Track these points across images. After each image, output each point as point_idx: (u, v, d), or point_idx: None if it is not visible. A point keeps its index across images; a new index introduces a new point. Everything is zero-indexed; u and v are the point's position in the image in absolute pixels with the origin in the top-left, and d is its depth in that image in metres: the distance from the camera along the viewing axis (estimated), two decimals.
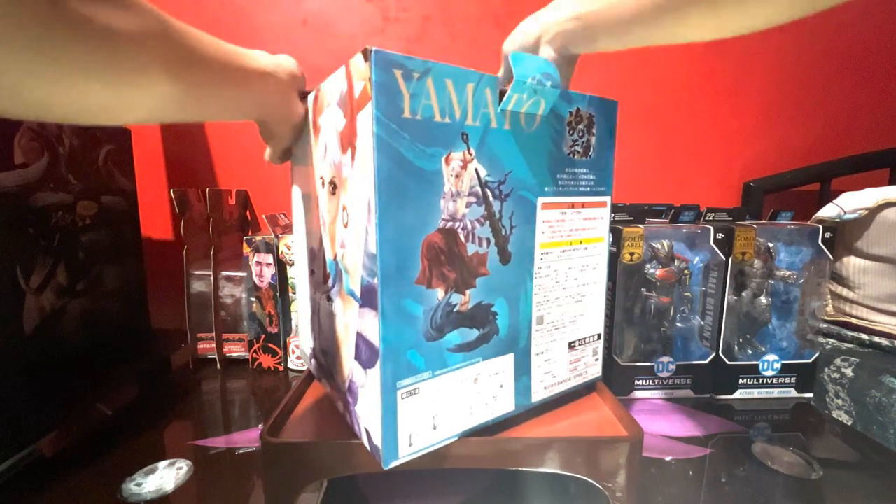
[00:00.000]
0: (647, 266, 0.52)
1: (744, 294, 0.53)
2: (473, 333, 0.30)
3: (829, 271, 0.55)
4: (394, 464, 0.27)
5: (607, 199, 0.36)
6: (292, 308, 0.62)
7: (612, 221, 0.54)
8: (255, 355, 0.63)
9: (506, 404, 0.32)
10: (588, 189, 0.34)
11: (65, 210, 0.50)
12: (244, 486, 0.38)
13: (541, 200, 0.32)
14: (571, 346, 0.36)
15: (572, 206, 0.34)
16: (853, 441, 0.45)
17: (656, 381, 0.53)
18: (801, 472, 0.40)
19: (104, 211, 0.56)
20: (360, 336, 0.28)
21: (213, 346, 0.63)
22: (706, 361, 0.53)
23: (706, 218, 0.57)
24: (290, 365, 0.63)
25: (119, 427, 0.48)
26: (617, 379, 0.52)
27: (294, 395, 0.36)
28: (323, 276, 0.34)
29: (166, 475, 0.39)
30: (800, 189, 0.77)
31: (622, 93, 0.81)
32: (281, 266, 0.61)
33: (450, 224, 0.27)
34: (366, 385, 0.28)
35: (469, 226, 0.28)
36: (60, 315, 0.49)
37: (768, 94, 0.80)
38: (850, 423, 0.49)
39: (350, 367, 0.30)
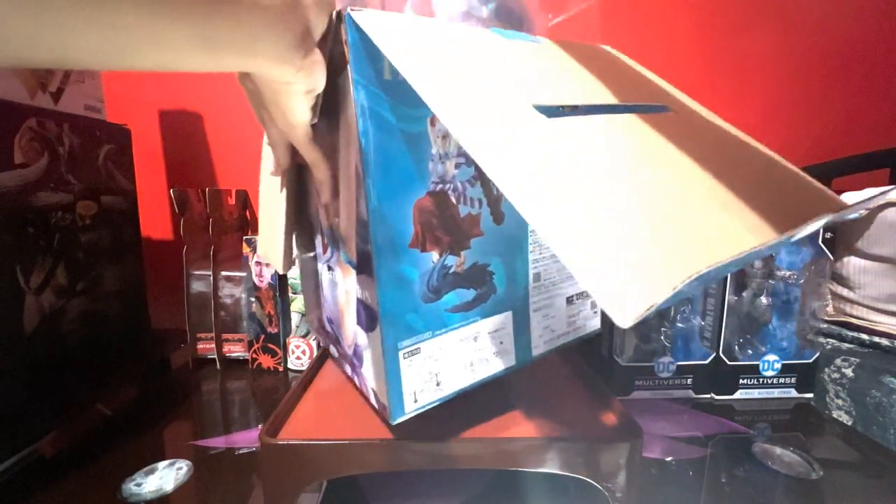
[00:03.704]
0: None
1: (744, 294, 0.53)
2: (471, 294, 0.30)
3: (829, 271, 0.55)
4: (401, 419, 0.28)
5: None
6: (292, 308, 0.62)
7: None
8: (254, 355, 0.63)
9: (507, 360, 0.33)
10: None
11: (65, 210, 0.50)
12: (244, 486, 0.38)
13: None
14: (570, 300, 0.36)
15: None
16: (853, 441, 0.45)
17: (656, 382, 0.53)
18: (801, 472, 0.40)
19: (104, 211, 0.56)
20: (360, 302, 0.28)
21: (213, 346, 0.63)
22: (706, 361, 0.53)
23: None
24: (289, 365, 0.63)
25: (119, 427, 0.48)
26: (617, 379, 0.52)
27: (293, 395, 0.36)
28: (322, 246, 0.34)
29: (166, 475, 0.39)
30: None
31: None
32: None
33: (440, 186, 0.27)
34: (369, 347, 0.28)
35: (460, 187, 0.28)
36: (60, 315, 0.49)
37: (768, 94, 0.80)
38: (850, 423, 0.49)
39: (354, 331, 0.30)
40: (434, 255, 0.27)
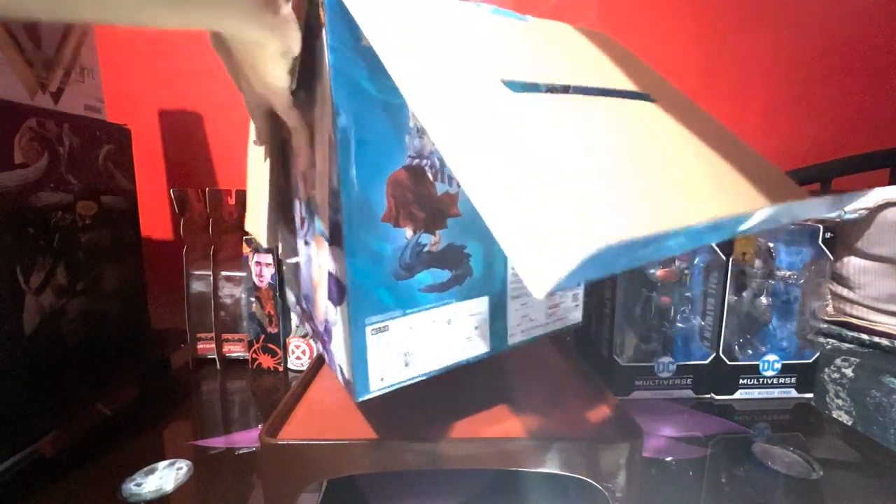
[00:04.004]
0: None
1: (744, 294, 0.53)
2: (445, 274, 0.29)
3: (829, 271, 0.55)
4: (366, 397, 0.28)
5: None
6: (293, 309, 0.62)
7: None
8: (254, 355, 0.63)
9: (481, 345, 0.32)
10: None
11: (65, 210, 0.50)
12: (244, 486, 0.38)
13: None
14: (551, 290, 0.36)
15: None
16: (853, 441, 0.45)
17: (656, 382, 0.53)
18: (801, 472, 0.40)
19: (104, 211, 0.56)
20: (330, 275, 0.28)
21: (213, 346, 0.63)
22: (706, 361, 0.53)
23: None
24: (289, 365, 0.63)
25: (119, 427, 0.48)
26: (617, 379, 0.52)
27: (293, 395, 0.36)
28: (301, 220, 0.34)
29: (166, 475, 0.39)
30: None
31: None
32: (280, 266, 0.61)
33: (416, 161, 0.26)
34: (337, 322, 0.28)
35: (437, 164, 0.27)
36: (60, 315, 0.49)
37: (768, 94, 0.80)
38: (850, 423, 0.49)
39: (325, 306, 0.30)
40: (408, 232, 0.27)
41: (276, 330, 0.62)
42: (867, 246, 0.56)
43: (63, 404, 0.45)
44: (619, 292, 0.52)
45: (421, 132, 0.26)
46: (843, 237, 0.58)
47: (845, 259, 0.59)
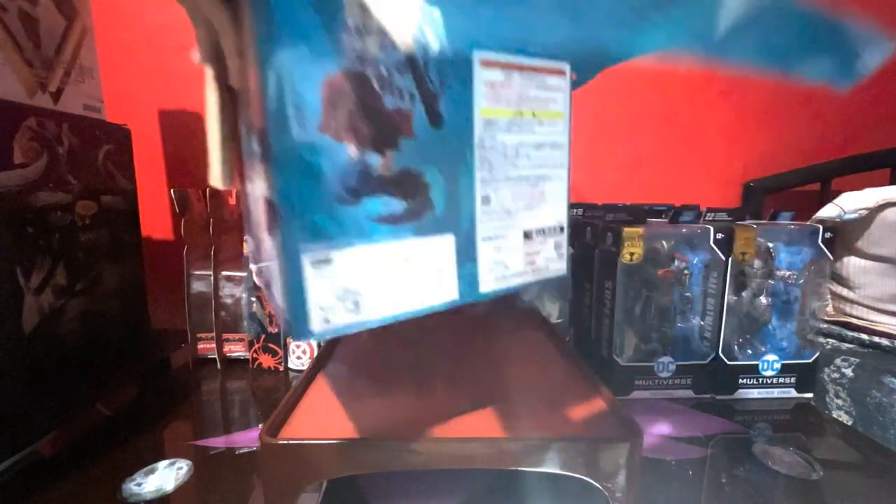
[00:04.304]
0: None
1: (744, 294, 0.53)
2: (400, 205, 0.26)
3: (829, 271, 0.55)
4: (308, 339, 0.25)
5: (565, 66, 0.30)
6: None
7: (612, 222, 0.54)
8: (255, 355, 0.63)
9: (447, 292, 0.29)
10: (538, 50, 0.29)
11: (64, 210, 0.50)
12: (244, 486, 0.38)
13: (478, 55, 0.26)
14: (527, 235, 0.32)
15: (520, 68, 0.28)
16: (853, 441, 0.45)
17: (656, 382, 0.53)
18: (801, 472, 0.40)
19: (104, 211, 0.56)
20: (265, 200, 0.24)
21: (213, 345, 0.63)
22: (706, 361, 0.53)
23: (706, 218, 0.57)
24: (290, 365, 0.63)
25: (119, 427, 0.48)
26: (617, 379, 0.52)
27: (294, 395, 0.36)
28: (246, 155, 0.30)
29: (166, 475, 0.39)
30: (800, 189, 0.77)
31: (621, 93, 0.81)
32: None
33: (358, 67, 0.23)
34: (274, 255, 0.24)
35: (385, 72, 0.24)
36: (60, 315, 0.49)
37: (768, 94, 0.80)
38: (850, 424, 0.49)
39: (265, 244, 0.26)
40: (351, 148, 0.23)
41: (276, 330, 0.62)
42: (867, 246, 0.56)
43: (63, 404, 0.45)
44: (619, 292, 0.52)
45: (362, 32, 0.22)
46: (843, 237, 0.58)
47: (845, 259, 0.59)
